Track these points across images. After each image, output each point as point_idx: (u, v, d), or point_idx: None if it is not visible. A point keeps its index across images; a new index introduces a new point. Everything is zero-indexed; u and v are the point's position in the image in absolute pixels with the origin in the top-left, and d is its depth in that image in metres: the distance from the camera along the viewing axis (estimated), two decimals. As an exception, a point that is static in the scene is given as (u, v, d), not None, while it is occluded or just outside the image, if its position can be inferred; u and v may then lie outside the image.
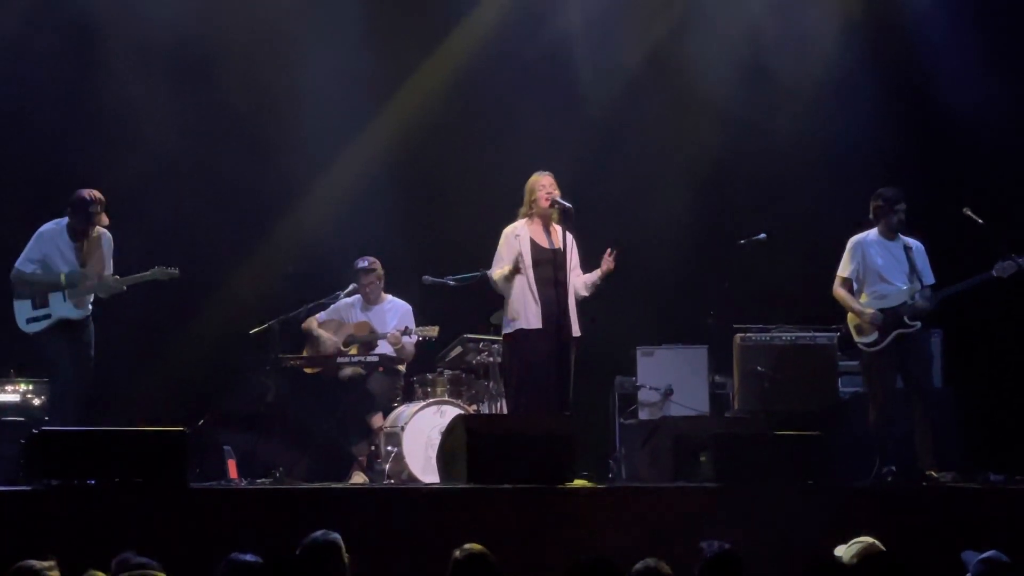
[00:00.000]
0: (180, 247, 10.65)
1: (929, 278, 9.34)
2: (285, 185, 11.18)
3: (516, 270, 8.83)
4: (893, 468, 8.98)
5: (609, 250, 8.89)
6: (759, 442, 8.35)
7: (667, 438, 9.14)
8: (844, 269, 9.42)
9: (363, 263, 10.33)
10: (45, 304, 8.98)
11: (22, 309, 9.02)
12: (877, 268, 9.30)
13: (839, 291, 9.42)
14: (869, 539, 5.68)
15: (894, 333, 9.18)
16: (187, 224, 10.83)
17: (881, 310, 9.22)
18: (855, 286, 9.39)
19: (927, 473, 8.91)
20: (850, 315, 9.39)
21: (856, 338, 9.39)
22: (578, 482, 8.11)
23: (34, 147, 10.59)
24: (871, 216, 9.38)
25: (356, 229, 10.95)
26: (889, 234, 9.35)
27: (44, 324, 8.98)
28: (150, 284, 9.25)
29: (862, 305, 9.29)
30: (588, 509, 7.54)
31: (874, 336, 9.24)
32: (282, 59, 11.12)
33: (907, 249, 9.34)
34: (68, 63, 10.64)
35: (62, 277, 8.98)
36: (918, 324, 9.21)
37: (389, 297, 10.45)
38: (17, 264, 9.07)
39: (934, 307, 9.27)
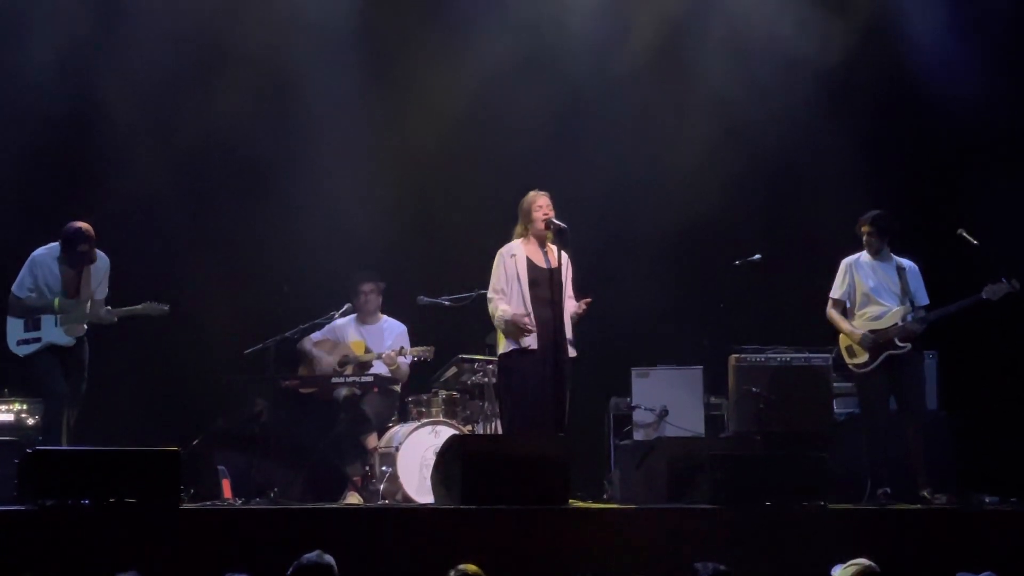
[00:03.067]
0: (175, 266, 10.67)
1: (923, 299, 9.36)
2: (280, 205, 11.18)
3: (519, 331, 8.78)
4: (888, 490, 8.98)
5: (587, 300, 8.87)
6: (754, 463, 8.34)
7: (662, 459, 9.14)
8: (835, 290, 9.47)
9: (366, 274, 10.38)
10: (37, 327, 8.95)
11: (14, 330, 8.98)
12: (867, 289, 9.34)
13: (831, 312, 9.47)
14: (865, 561, 5.68)
15: (884, 355, 9.20)
16: (182, 243, 10.83)
17: (872, 331, 9.24)
18: (847, 307, 9.41)
19: (921, 494, 8.91)
20: (841, 336, 9.43)
21: (847, 360, 9.42)
22: (573, 503, 8.11)
23: (30, 162, 10.62)
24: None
25: (351, 249, 10.95)
26: (879, 255, 9.38)
27: (34, 347, 8.94)
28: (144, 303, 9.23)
29: (853, 326, 9.32)
30: (583, 530, 7.53)
31: (864, 358, 9.26)
32: (279, 80, 11.14)
33: (900, 270, 9.35)
34: (65, 86, 10.69)
35: (56, 302, 8.94)
36: (908, 346, 9.22)
37: (384, 317, 10.45)
38: (13, 289, 9.04)
39: (923, 329, 9.28)
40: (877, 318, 9.28)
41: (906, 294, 9.30)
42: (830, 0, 11.46)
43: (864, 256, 9.44)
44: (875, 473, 9.10)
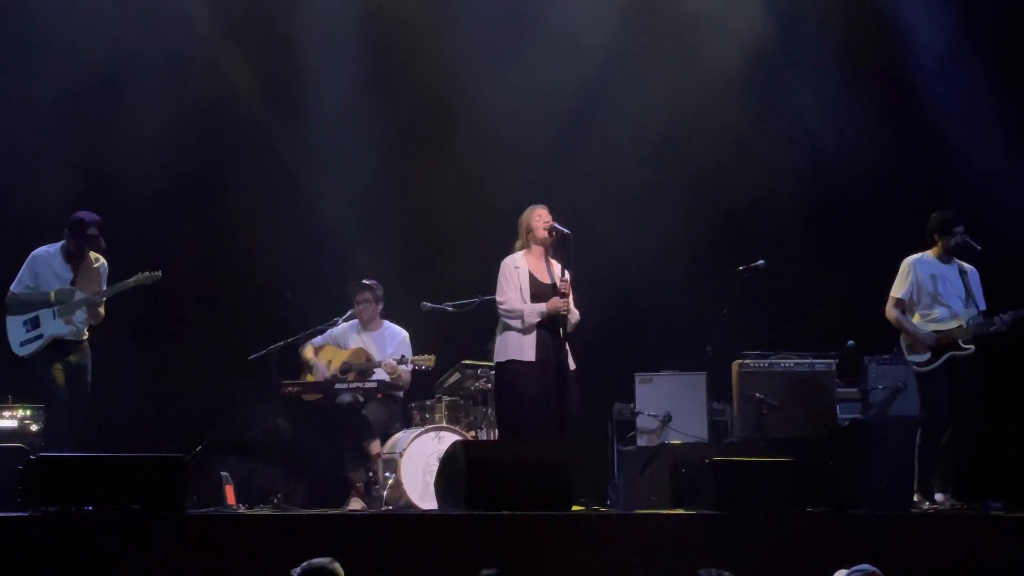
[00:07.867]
0: (178, 274, 10.67)
1: (982, 304, 9.27)
2: (283, 211, 11.19)
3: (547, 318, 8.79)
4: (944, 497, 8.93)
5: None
6: (758, 469, 8.34)
7: (665, 465, 9.14)
8: (898, 290, 9.31)
9: (363, 280, 10.36)
10: (36, 325, 8.99)
11: (15, 333, 9.03)
12: (933, 290, 9.22)
13: (891, 312, 9.31)
14: (869, 567, 5.67)
15: (947, 355, 9.12)
16: (184, 251, 10.84)
17: (936, 331, 9.18)
18: (909, 306, 9.29)
19: (934, 496, 8.90)
20: (903, 334, 9.32)
21: (907, 356, 9.28)
22: (576, 509, 8.10)
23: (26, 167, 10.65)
24: (929, 238, 9.31)
25: (355, 255, 10.96)
26: (945, 257, 9.28)
27: (37, 345, 8.98)
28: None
29: (915, 325, 9.23)
30: (586, 536, 7.51)
31: (926, 356, 9.17)
32: (284, 83, 11.17)
33: (963, 273, 9.26)
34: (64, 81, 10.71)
35: (52, 294, 8.98)
36: (972, 348, 9.14)
37: (386, 323, 10.46)
38: (12, 287, 9.09)
39: (1008, 329, 9.18)
40: (941, 320, 9.20)
41: (970, 296, 9.23)
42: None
43: (928, 256, 9.31)
44: (922, 474, 9.05)
